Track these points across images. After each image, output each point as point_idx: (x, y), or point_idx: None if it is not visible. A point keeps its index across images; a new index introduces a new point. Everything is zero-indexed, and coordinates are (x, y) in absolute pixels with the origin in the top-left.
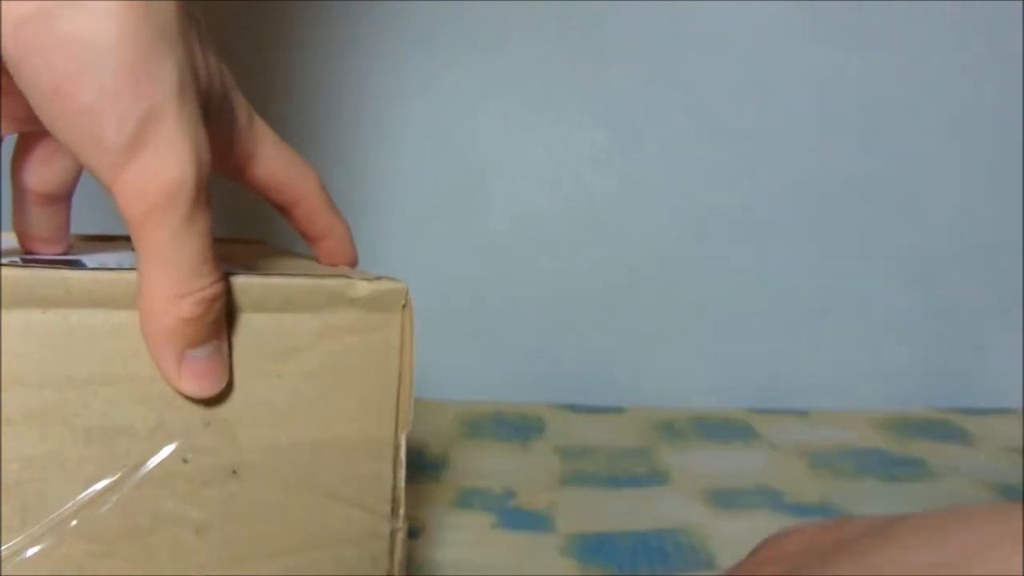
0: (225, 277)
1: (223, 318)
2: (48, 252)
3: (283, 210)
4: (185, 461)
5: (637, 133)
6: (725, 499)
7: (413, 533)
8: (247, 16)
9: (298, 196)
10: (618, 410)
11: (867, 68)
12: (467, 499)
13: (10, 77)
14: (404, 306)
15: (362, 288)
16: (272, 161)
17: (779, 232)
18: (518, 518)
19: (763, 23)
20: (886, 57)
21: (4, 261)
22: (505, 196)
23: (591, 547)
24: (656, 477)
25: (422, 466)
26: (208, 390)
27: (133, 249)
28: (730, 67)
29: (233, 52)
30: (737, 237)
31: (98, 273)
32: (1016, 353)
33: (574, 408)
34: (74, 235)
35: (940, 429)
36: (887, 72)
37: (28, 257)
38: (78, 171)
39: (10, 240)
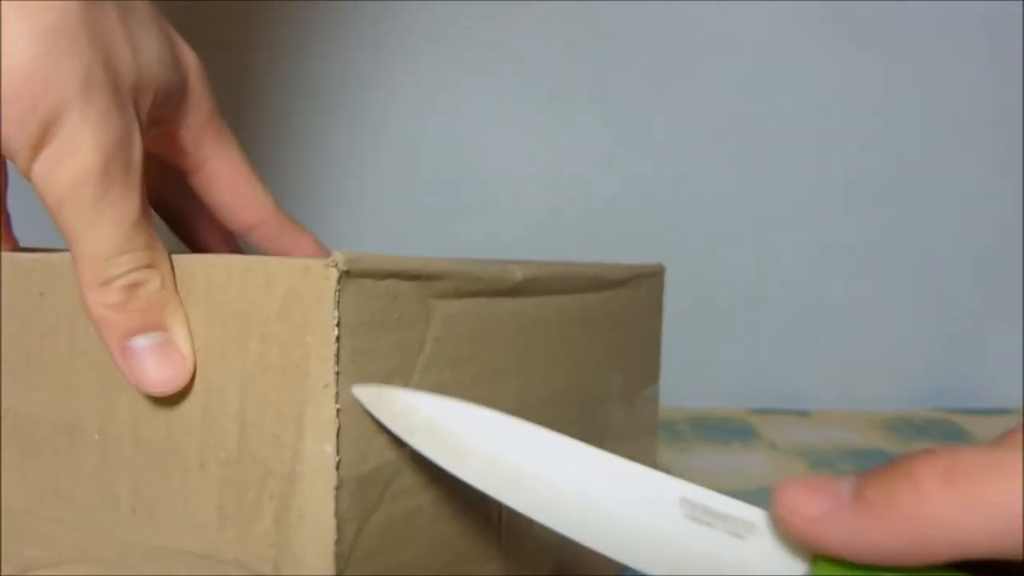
0: (159, 264)
1: (166, 308)
2: (4, 247)
3: (244, 231)
4: None
5: (640, 134)
6: None
7: None
8: (252, 18)
9: (259, 217)
10: None
11: (868, 69)
12: None
13: None
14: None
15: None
16: (236, 171)
17: (780, 232)
18: None
19: (765, 25)
20: (887, 58)
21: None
22: (509, 197)
23: None
24: None
25: None
26: (159, 385)
27: None
28: (732, 69)
29: (238, 55)
30: (738, 237)
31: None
32: (1016, 353)
33: None
34: None
35: (940, 429)
36: (888, 73)
37: None
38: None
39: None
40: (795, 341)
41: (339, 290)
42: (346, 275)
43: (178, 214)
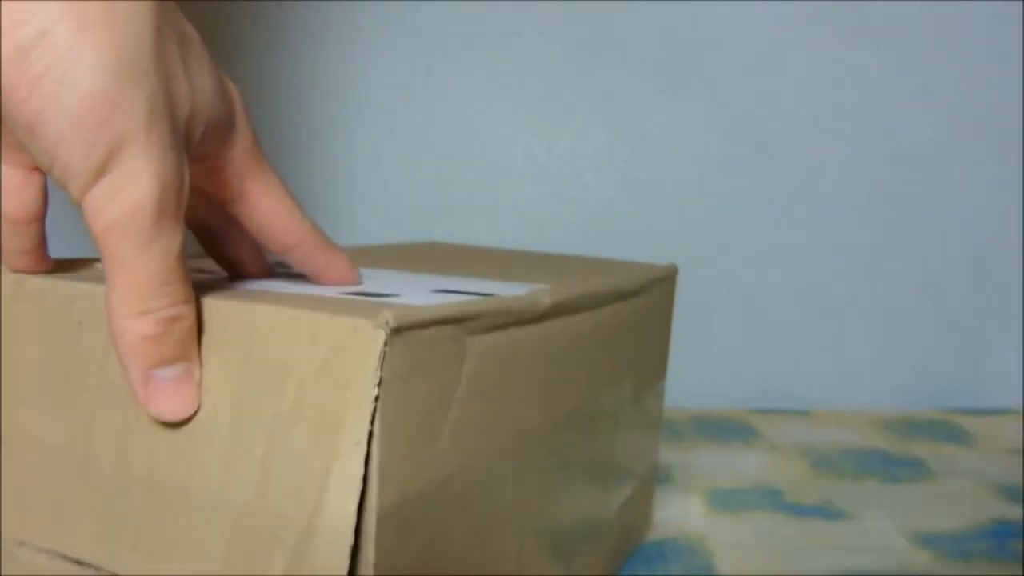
0: (193, 301)
1: (193, 341)
2: (35, 267)
3: (282, 251)
4: None
5: (640, 134)
6: (725, 499)
7: None
8: (254, 18)
9: (297, 239)
10: None
11: (868, 70)
12: None
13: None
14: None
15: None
16: (276, 199)
17: (779, 232)
18: None
19: (765, 25)
20: (887, 59)
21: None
22: (509, 196)
23: None
24: (657, 477)
25: None
26: (174, 414)
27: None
28: (732, 69)
29: (240, 54)
30: (738, 237)
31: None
32: (1016, 353)
33: None
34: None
35: (941, 429)
36: (888, 73)
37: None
38: (43, 193)
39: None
40: (795, 341)
41: (385, 350)
42: (395, 332)
43: (210, 232)
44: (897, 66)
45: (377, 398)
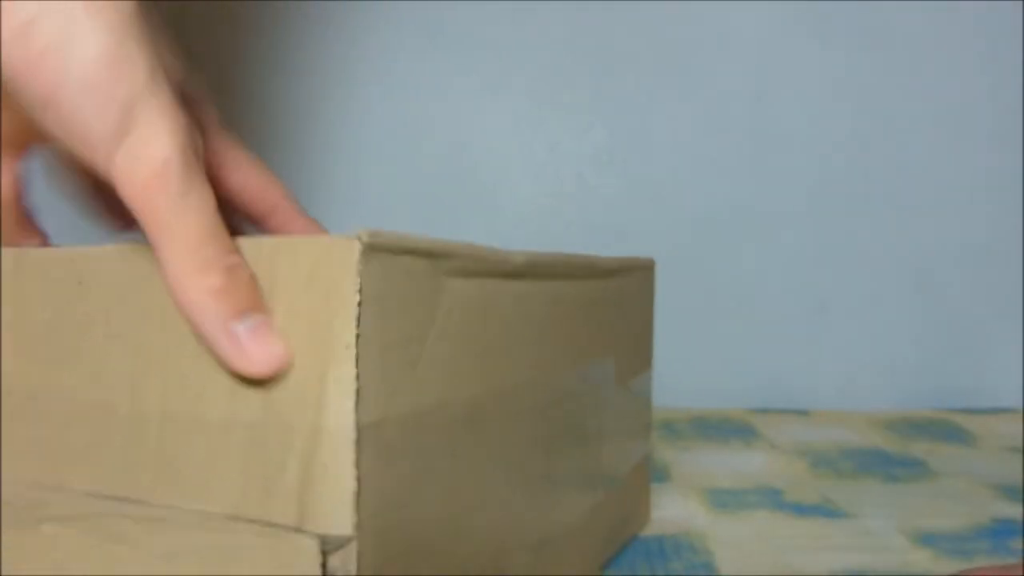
0: (238, 249)
1: (258, 290)
2: (30, 242)
3: (258, 219)
4: None
5: (639, 133)
6: (725, 499)
7: None
8: (257, 18)
9: (272, 204)
10: None
11: (868, 69)
12: None
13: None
14: None
15: None
16: (245, 168)
17: (780, 232)
18: None
19: (765, 25)
20: (887, 58)
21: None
22: (509, 196)
23: None
24: (656, 477)
25: None
26: (269, 365)
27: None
28: (732, 68)
29: (243, 54)
30: (738, 237)
31: None
32: (1016, 353)
33: None
34: None
35: (940, 429)
36: (888, 73)
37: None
38: (22, 173)
39: None
40: (795, 341)
41: (361, 261)
42: (369, 248)
43: None
44: (896, 66)
45: (360, 304)
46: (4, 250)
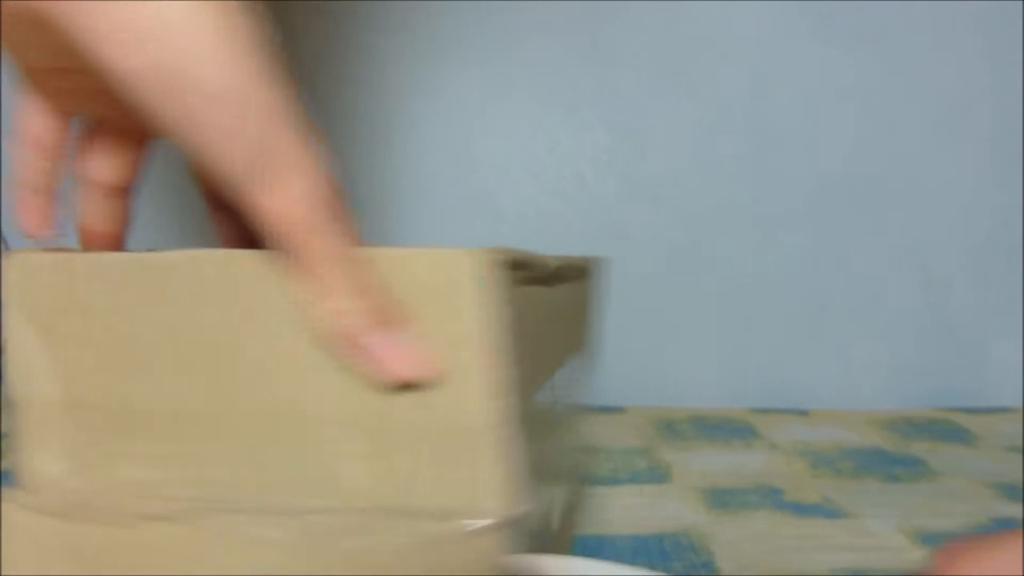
0: (370, 265)
1: (393, 302)
2: (107, 247)
3: None
4: None
5: (640, 134)
6: (725, 499)
7: None
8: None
9: None
10: (618, 410)
11: (868, 69)
12: None
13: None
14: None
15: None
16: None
17: (780, 232)
18: None
19: (764, 25)
20: (887, 58)
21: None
22: (509, 195)
23: (591, 547)
24: (656, 476)
25: None
26: (414, 371)
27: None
28: (732, 68)
29: None
30: (738, 237)
31: None
32: (1016, 353)
33: None
34: None
35: (940, 429)
36: (888, 73)
37: None
38: (140, 163)
39: None
40: (795, 341)
41: (492, 273)
42: (495, 262)
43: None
44: (896, 65)
45: (492, 311)
46: (73, 257)
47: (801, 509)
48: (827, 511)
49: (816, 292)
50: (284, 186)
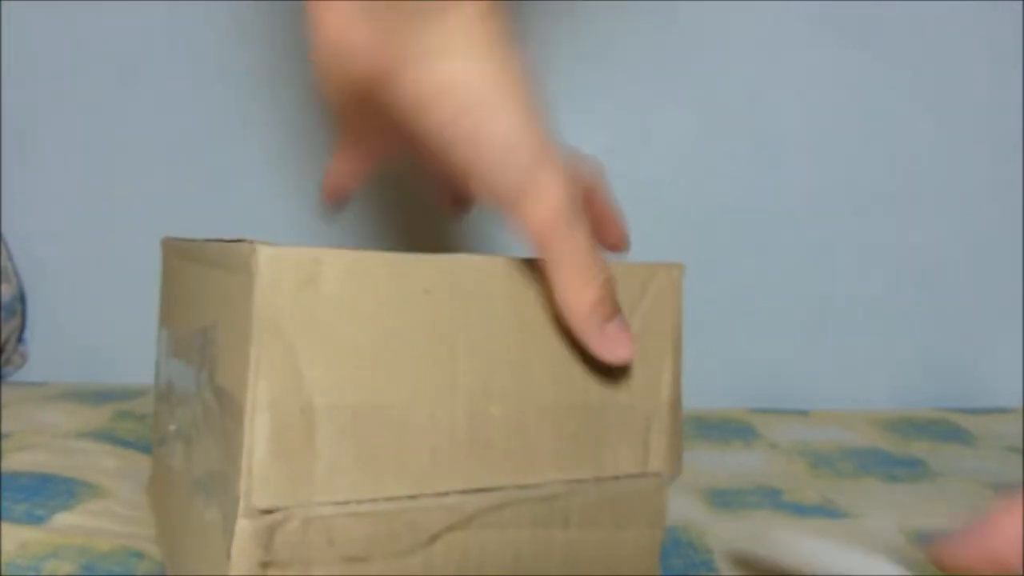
0: (607, 267)
1: (616, 297)
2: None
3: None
4: None
5: (640, 134)
6: (725, 499)
7: None
8: (260, 18)
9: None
10: None
11: (868, 70)
12: None
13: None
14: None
15: None
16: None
17: (780, 232)
18: None
19: (765, 25)
20: (887, 59)
21: None
22: None
23: None
24: None
25: None
26: (627, 355)
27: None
28: (732, 69)
29: (247, 53)
30: (738, 237)
31: None
32: (1016, 353)
33: None
34: None
35: (940, 429)
36: (888, 73)
37: None
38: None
39: None
40: (795, 341)
41: (677, 283)
42: (681, 272)
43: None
44: (896, 65)
45: (677, 311)
46: (332, 257)
47: (801, 509)
48: (827, 511)
49: (816, 292)
50: (544, 199)
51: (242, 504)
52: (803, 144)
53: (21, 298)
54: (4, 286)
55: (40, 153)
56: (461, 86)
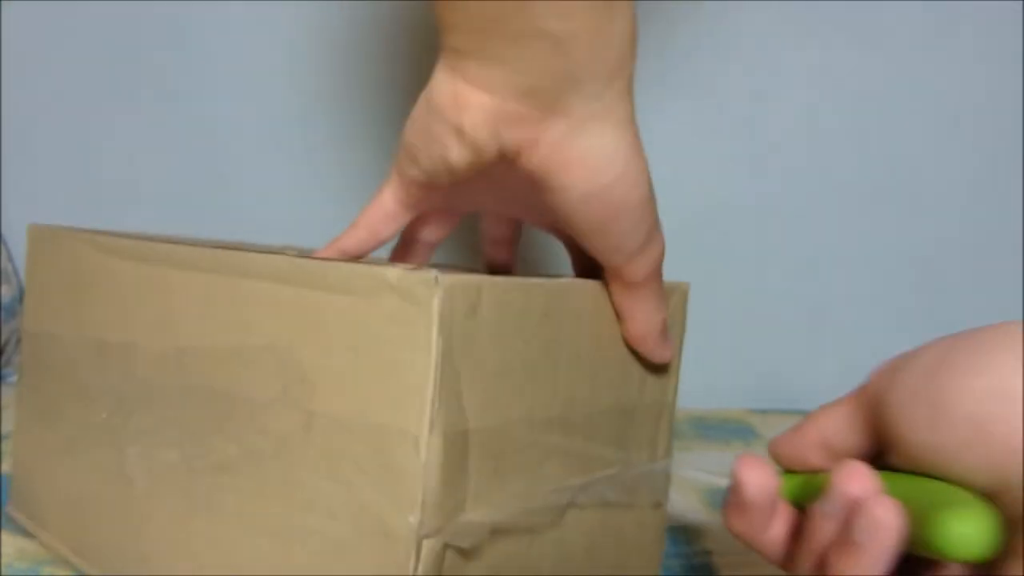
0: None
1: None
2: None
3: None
4: None
5: (640, 134)
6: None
7: None
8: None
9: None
10: None
11: (867, 68)
12: None
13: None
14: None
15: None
16: None
17: (779, 232)
18: None
19: (763, 25)
20: (887, 57)
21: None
22: None
23: None
24: None
25: None
26: (670, 358)
27: None
28: (731, 68)
29: (248, 54)
30: (738, 237)
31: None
32: None
33: None
34: None
35: None
36: (887, 72)
37: None
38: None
39: None
40: (795, 341)
41: (683, 301)
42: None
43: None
44: (896, 66)
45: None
46: (482, 283)
47: None
48: None
49: (816, 292)
50: (653, 254)
51: (417, 531)
52: (803, 144)
53: (21, 299)
54: (4, 287)
55: (40, 153)
56: (611, 156)
